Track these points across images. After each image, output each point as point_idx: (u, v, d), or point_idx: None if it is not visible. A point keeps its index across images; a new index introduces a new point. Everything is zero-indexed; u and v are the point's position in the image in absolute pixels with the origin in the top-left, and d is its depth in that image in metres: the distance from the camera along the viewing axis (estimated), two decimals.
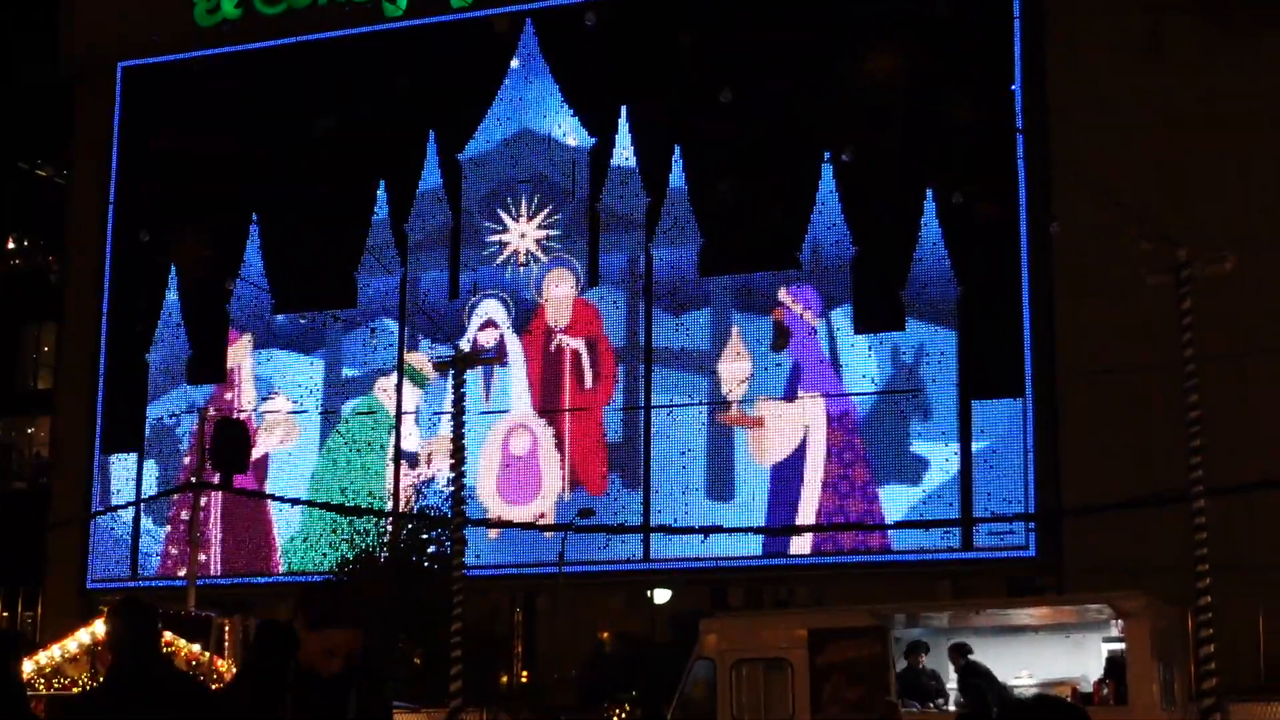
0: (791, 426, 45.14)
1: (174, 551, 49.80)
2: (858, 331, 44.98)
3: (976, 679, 24.87)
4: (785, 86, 45.98)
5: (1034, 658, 26.57)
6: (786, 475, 45.09)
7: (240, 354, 51.34)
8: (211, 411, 42.43)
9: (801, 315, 45.59)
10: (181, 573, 48.55)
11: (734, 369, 46.07)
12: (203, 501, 41.14)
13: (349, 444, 49.62)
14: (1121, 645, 25.52)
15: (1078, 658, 26.61)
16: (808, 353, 45.48)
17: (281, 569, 48.65)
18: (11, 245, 59.84)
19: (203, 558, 49.06)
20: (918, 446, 43.95)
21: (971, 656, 25.94)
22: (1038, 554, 42.43)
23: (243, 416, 48.32)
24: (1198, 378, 22.23)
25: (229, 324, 51.64)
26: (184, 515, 48.45)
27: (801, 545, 44.77)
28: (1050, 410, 43.15)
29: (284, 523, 49.40)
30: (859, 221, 45.44)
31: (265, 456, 49.89)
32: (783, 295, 45.72)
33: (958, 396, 43.76)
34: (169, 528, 50.70)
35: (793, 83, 45.93)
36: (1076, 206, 40.83)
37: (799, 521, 43.95)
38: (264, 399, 50.61)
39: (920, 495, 43.54)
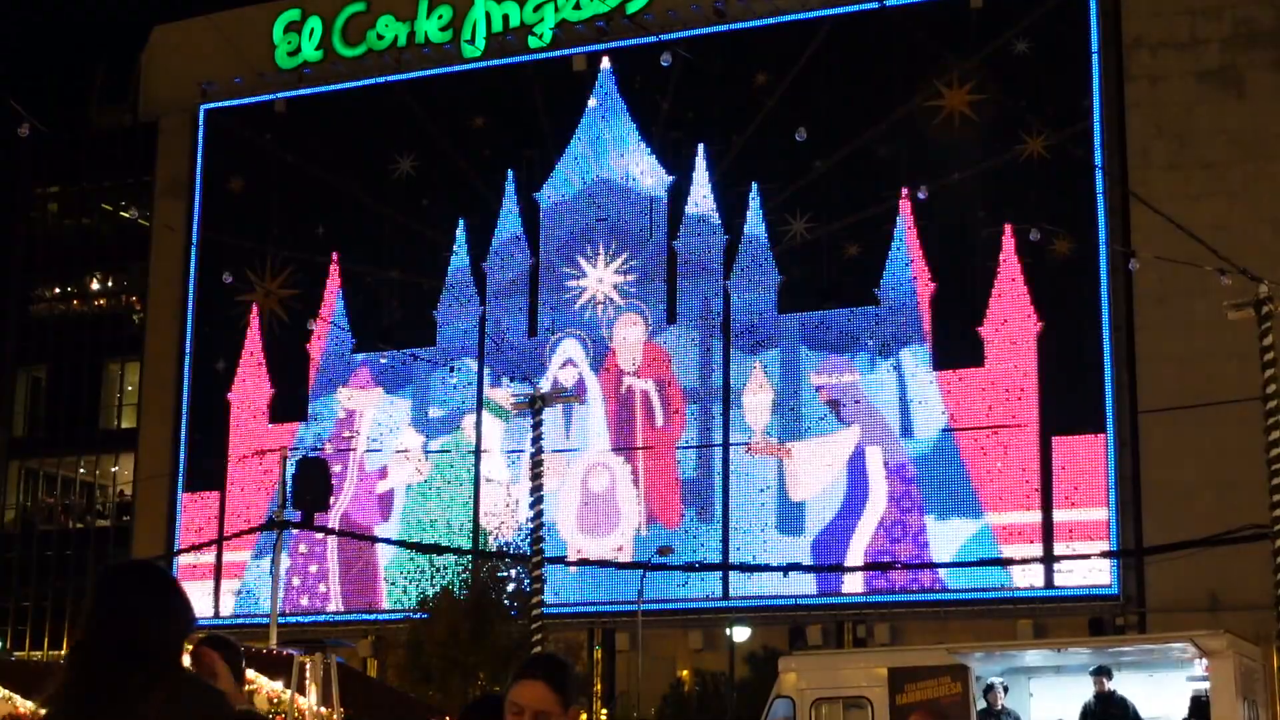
0: (837, 460, 45.22)
1: (296, 583, 49.96)
2: (936, 368, 44.84)
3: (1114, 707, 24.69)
4: (861, 124, 46.00)
5: None
6: (846, 511, 45.09)
7: (370, 399, 51.35)
8: (293, 451, 42.64)
9: (841, 382, 45.67)
10: (304, 602, 49.09)
11: (757, 400, 46.27)
12: (318, 536, 41.29)
13: (430, 482, 49.79)
14: (1205, 684, 25.28)
15: (1161, 696, 26.37)
16: (862, 404, 45.48)
17: (386, 605, 48.50)
18: (96, 286, 60.54)
19: (322, 588, 49.60)
20: (980, 482, 43.81)
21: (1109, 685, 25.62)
22: (1120, 592, 42.08)
23: (360, 457, 48.94)
24: None
25: (310, 365, 51.99)
26: (301, 550, 48.92)
27: (854, 583, 44.75)
28: (1131, 447, 42.85)
29: (389, 561, 49.26)
30: (936, 258, 45.36)
31: (390, 493, 50.19)
32: (814, 379, 45.81)
33: (1039, 433, 43.52)
34: (289, 563, 50.44)
35: (869, 120, 45.93)
36: (1155, 242, 40.57)
37: (849, 558, 43.90)
38: (374, 440, 50.68)
39: (976, 529, 43.44)
